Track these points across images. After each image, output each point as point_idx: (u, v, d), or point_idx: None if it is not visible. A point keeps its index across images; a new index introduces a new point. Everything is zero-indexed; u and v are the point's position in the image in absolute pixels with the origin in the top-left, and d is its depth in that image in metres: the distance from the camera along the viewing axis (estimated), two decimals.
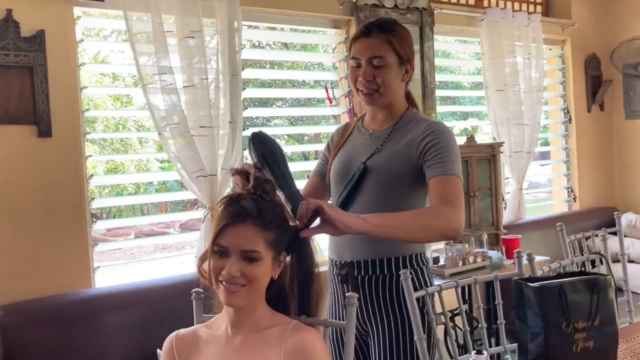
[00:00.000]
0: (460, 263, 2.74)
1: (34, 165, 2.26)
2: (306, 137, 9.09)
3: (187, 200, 8.91)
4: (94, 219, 2.51)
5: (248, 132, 2.85)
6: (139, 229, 9.23)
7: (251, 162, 1.45)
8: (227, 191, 2.58)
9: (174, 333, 1.33)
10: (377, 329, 1.67)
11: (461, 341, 2.98)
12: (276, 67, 3.90)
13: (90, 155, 2.55)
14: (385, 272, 1.65)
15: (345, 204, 1.66)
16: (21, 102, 2.22)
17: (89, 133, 2.49)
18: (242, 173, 1.35)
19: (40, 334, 2.14)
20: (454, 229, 1.51)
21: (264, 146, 1.42)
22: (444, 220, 1.50)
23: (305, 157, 8.87)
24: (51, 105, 2.27)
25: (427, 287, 1.68)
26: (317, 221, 1.33)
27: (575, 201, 4.34)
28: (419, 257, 1.69)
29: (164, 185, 8.37)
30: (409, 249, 1.66)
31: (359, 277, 1.66)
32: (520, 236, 3.18)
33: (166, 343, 1.32)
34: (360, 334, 1.71)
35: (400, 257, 1.65)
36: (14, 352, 2.08)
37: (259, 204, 1.24)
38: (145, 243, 9.02)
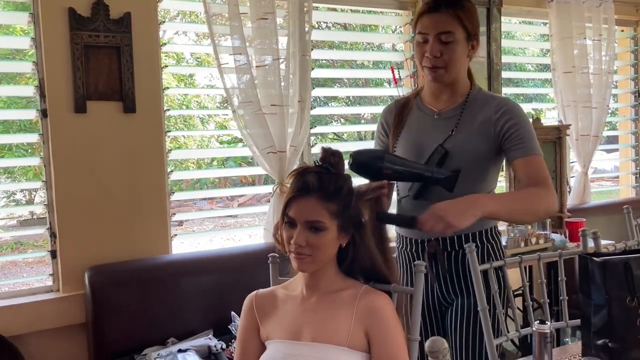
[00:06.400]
0: (522, 244, 2.76)
1: (120, 139, 2.43)
2: (363, 120, 9.13)
3: (244, 179, 9.18)
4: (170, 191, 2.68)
5: (314, 112, 2.95)
6: (199, 207, 9.56)
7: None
8: (295, 166, 2.68)
9: (254, 292, 1.44)
10: (459, 300, 1.70)
11: (521, 322, 3.00)
12: (334, 48, 3.94)
13: (170, 131, 2.71)
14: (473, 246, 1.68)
15: (422, 189, 1.65)
16: (109, 80, 2.39)
17: (168, 110, 2.64)
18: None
19: (123, 294, 2.33)
20: (553, 209, 1.64)
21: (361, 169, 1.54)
22: (545, 203, 1.59)
23: (360, 138, 8.96)
24: (135, 83, 2.43)
25: (504, 257, 1.73)
26: None
27: None
28: (494, 230, 1.74)
29: (223, 165, 8.60)
30: (488, 223, 1.70)
31: (445, 252, 1.69)
32: (585, 220, 3.15)
33: (246, 301, 1.44)
34: (439, 306, 1.76)
35: (483, 231, 1.70)
36: (101, 307, 2.28)
37: (322, 177, 1.32)
38: (218, 214, 9.44)
